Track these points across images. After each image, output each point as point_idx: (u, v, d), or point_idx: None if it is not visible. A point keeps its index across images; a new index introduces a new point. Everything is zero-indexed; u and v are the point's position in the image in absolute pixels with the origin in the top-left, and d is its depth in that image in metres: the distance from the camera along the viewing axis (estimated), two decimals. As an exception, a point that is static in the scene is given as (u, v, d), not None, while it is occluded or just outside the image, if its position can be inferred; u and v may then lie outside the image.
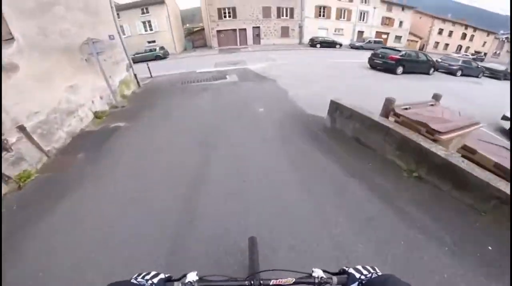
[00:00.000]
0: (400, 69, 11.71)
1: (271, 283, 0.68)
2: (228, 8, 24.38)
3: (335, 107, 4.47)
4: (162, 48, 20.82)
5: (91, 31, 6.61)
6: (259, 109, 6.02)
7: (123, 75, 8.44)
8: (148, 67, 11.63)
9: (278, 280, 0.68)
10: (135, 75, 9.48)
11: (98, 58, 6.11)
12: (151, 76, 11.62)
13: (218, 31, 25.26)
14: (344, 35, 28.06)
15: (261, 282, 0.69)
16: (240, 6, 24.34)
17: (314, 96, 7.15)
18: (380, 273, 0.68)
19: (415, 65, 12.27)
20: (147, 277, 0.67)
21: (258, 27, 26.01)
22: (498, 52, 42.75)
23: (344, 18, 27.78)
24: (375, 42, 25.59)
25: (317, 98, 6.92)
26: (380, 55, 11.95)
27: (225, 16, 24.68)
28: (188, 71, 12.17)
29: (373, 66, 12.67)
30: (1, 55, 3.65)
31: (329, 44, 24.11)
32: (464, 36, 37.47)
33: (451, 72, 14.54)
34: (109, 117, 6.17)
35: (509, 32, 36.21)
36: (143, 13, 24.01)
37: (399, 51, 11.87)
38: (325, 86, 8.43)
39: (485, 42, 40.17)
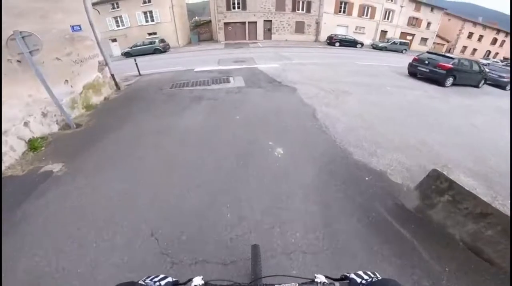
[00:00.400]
0: (449, 81, 9.31)
1: None
2: (238, -2, 21.91)
3: (445, 188, 2.24)
4: (162, 41, 18.65)
5: (41, 20, 4.61)
6: (276, 150, 3.78)
7: (92, 77, 6.35)
8: (136, 64, 9.55)
9: (282, 285, 0.67)
10: (112, 75, 7.39)
11: (32, 58, 3.98)
12: (140, 75, 9.57)
13: (226, 24, 22.86)
14: (366, 34, 25.30)
15: None
16: (251, -4, 21.84)
17: (354, 120, 4.91)
18: (380, 278, 0.65)
19: (467, 76, 9.83)
20: (155, 279, 0.67)
21: (270, 20, 23.49)
22: (528, 59, 39.39)
23: (367, 16, 24.93)
24: (400, 43, 22.95)
25: (360, 125, 4.72)
26: (426, 62, 9.52)
27: (233, 7, 22.22)
28: (185, 70, 10.03)
29: (414, 73, 10.26)
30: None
31: (350, 43, 21.53)
32: (494, 41, 34.16)
33: (499, 85, 12.04)
34: (49, 148, 4.07)
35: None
36: (144, 2, 21.78)
37: (451, 58, 9.42)
38: (364, 102, 6.14)
39: (516, 48, 36.82)
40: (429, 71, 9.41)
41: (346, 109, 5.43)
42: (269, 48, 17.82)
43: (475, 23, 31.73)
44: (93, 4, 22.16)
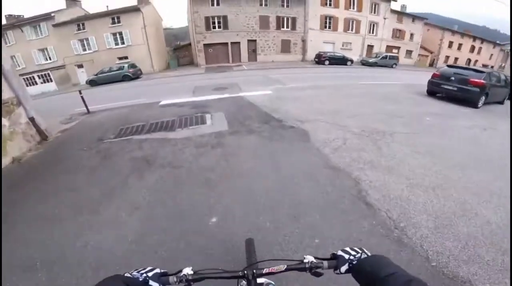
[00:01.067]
0: (482, 100, 7.52)
1: (264, 272, 0.66)
2: (218, 17, 20.35)
3: None
4: (132, 65, 16.38)
5: None
6: None
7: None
8: (82, 97, 7.02)
9: (271, 268, 0.67)
10: (31, 120, 4.87)
11: None
12: (88, 112, 7.07)
13: (206, 45, 21.09)
14: (353, 49, 24.45)
15: (254, 271, 0.66)
16: (232, 15, 20.38)
17: (434, 199, 2.54)
18: (369, 254, 0.66)
19: (496, 92, 8.17)
20: (142, 271, 0.63)
21: (254, 40, 22.03)
22: (503, 65, 40.91)
23: (352, 30, 24.21)
24: (389, 57, 22.11)
25: (451, 210, 2.32)
26: (451, 78, 7.71)
27: (214, 27, 20.62)
28: (148, 103, 7.63)
29: (435, 93, 8.45)
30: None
31: (339, 61, 20.27)
32: (472, 49, 35.14)
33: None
34: None
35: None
36: (113, 23, 19.74)
37: (481, 72, 7.71)
38: (419, 151, 3.79)
39: (491, 55, 38.25)
40: (457, 90, 7.58)
41: (406, 172, 3.08)
42: (256, 71, 15.95)
43: (453, 32, 32.41)
44: (56, 25, 20.00)
